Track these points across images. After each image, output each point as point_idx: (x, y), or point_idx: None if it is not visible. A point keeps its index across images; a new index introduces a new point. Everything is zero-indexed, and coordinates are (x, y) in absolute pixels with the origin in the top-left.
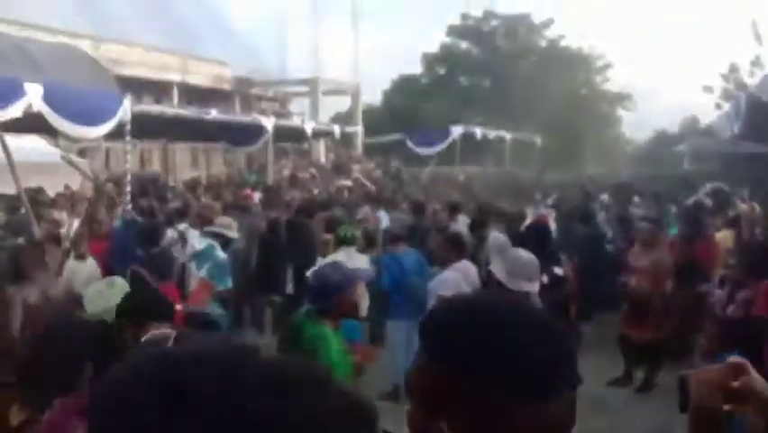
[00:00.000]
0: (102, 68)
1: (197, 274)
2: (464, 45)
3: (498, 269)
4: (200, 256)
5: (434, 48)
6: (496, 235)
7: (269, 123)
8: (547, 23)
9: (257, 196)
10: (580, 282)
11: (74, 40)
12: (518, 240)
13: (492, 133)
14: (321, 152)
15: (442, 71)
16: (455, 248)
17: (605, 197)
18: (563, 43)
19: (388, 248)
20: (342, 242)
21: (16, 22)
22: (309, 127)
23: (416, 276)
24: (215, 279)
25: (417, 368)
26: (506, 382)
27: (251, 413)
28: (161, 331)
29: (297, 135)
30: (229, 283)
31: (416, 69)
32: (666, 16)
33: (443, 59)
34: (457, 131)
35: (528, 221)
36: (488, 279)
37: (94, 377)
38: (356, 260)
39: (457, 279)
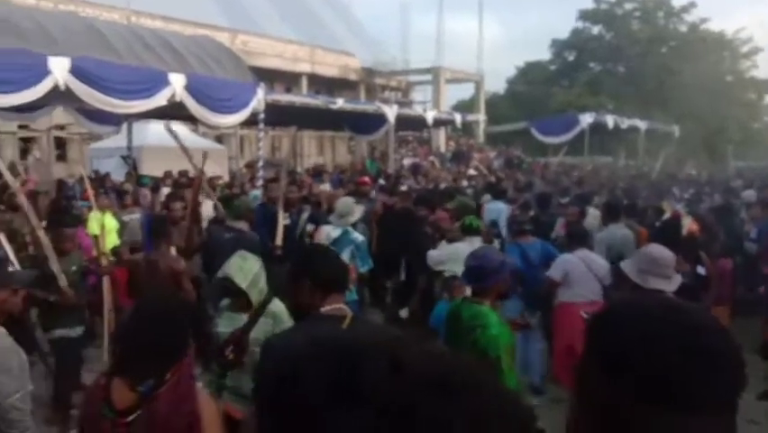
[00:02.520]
0: (239, 59)
1: None
2: (596, 30)
3: (628, 266)
4: (338, 242)
5: (563, 33)
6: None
7: (391, 112)
8: (688, 7)
9: (380, 182)
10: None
11: (213, 32)
12: (652, 236)
13: (625, 122)
14: (441, 140)
15: (571, 57)
16: (573, 239)
17: (750, 192)
18: (705, 27)
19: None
20: (468, 231)
21: (162, 16)
22: (431, 116)
23: (540, 267)
24: (357, 261)
25: (578, 364)
26: (638, 388)
27: (415, 412)
28: (341, 306)
29: (418, 124)
30: (370, 264)
31: (544, 55)
32: None
33: (573, 45)
34: (586, 119)
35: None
36: (618, 276)
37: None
38: None
39: (566, 261)
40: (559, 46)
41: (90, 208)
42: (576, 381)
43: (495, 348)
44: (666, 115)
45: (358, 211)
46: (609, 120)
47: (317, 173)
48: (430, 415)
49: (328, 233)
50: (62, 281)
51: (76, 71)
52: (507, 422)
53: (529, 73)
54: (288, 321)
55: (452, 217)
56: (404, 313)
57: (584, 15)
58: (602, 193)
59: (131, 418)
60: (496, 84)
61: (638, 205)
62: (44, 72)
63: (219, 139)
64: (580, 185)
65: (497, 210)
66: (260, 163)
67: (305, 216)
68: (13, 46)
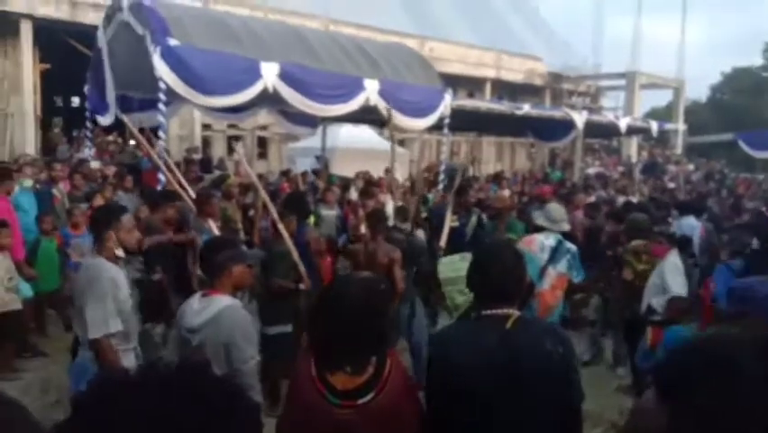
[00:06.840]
0: (429, 65)
1: (553, 271)
2: None
3: None
4: (555, 251)
5: None
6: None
7: (580, 118)
8: None
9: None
10: None
11: (401, 38)
12: None
13: None
14: (633, 150)
15: None
16: None
17: None
18: None
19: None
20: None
21: (354, 24)
22: (624, 123)
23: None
24: (573, 271)
25: None
26: None
27: None
28: (504, 311)
29: (609, 131)
30: (583, 274)
31: (754, 60)
32: None
33: None
34: None
35: None
36: None
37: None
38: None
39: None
40: None
41: None
42: None
43: None
44: None
45: (564, 223)
46: None
47: (495, 179)
48: None
49: (542, 241)
50: (301, 267)
51: (284, 76)
52: None
53: (736, 80)
54: None
55: (624, 237)
56: None
57: None
58: None
59: (362, 401)
60: (696, 91)
61: None
62: (257, 76)
63: (401, 143)
64: None
65: (689, 227)
66: (443, 167)
67: (473, 219)
68: (231, 51)
